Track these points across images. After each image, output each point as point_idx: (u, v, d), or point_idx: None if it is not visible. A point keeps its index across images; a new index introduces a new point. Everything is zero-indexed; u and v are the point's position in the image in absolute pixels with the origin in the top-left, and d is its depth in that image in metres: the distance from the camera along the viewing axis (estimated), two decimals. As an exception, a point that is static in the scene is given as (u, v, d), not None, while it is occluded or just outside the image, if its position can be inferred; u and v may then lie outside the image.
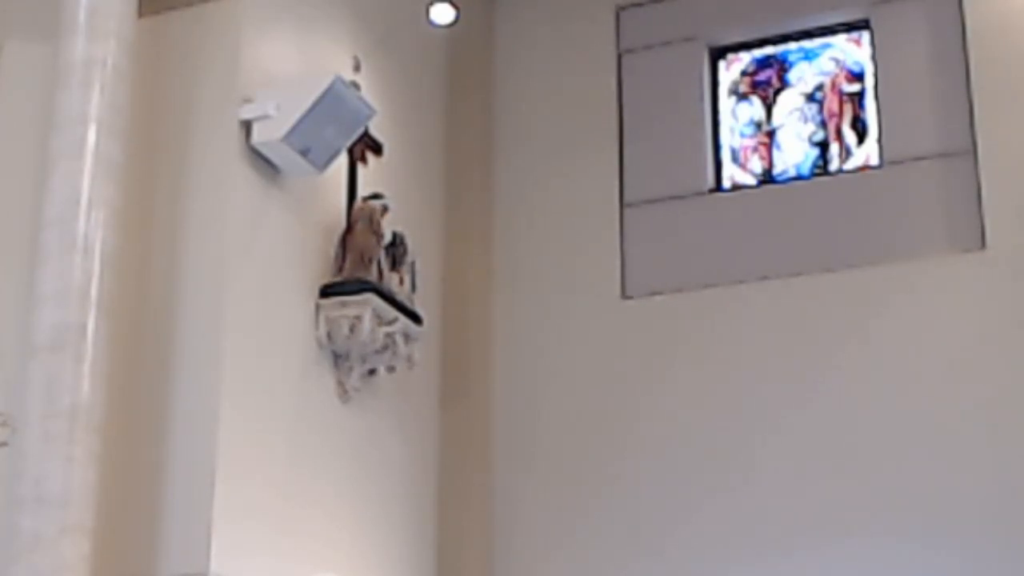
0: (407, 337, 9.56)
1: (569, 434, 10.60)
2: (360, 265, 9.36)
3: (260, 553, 8.30)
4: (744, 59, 11.37)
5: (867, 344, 10.07)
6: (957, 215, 10.18)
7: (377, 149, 10.02)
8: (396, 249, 9.69)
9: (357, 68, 9.95)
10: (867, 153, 10.76)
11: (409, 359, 9.65)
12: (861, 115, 10.89)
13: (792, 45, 11.26)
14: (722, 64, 11.38)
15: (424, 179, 10.83)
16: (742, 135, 11.21)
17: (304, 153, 8.80)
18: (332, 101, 8.77)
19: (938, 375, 9.84)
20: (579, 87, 11.40)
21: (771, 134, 11.14)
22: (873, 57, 10.87)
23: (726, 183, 11.08)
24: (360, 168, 9.84)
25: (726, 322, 10.47)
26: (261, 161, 8.82)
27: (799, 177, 10.94)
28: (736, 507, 9.99)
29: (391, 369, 9.63)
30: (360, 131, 9.32)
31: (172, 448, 8.18)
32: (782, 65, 11.27)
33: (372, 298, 9.27)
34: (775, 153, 11.09)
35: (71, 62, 8.07)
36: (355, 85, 9.48)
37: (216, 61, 8.83)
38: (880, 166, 10.60)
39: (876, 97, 10.75)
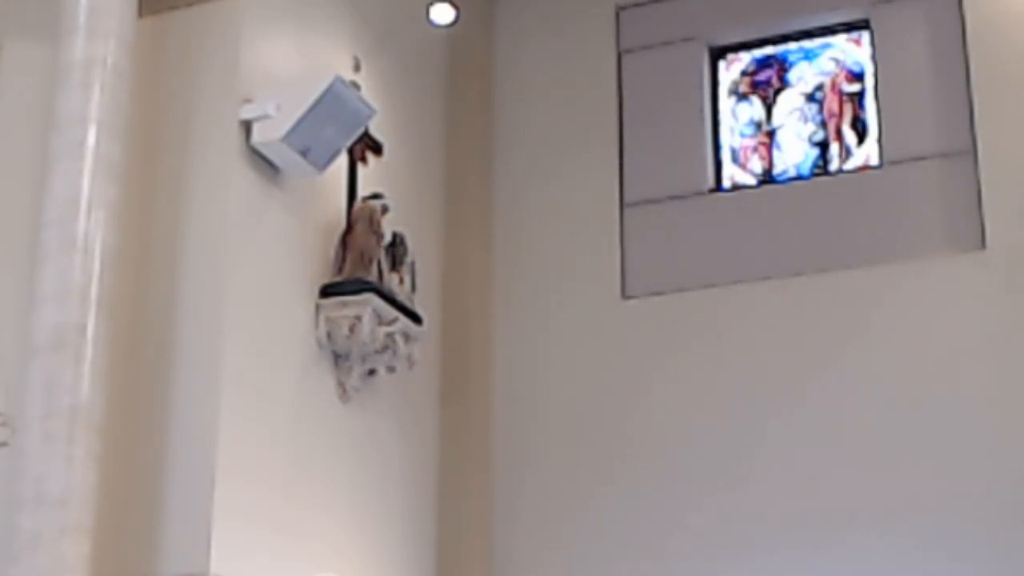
0: (407, 337, 9.56)
1: (569, 434, 10.60)
2: (360, 265, 9.36)
3: (260, 553, 8.30)
4: (744, 59, 11.37)
5: (867, 344, 10.07)
6: (957, 215, 10.18)
7: (377, 149, 10.02)
8: (396, 249, 9.69)
9: (357, 68, 9.95)
10: (867, 153, 10.76)
11: (409, 359, 9.65)
12: (861, 115, 10.89)
13: (792, 45, 11.27)
14: (722, 64, 11.38)
15: (424, 179, 10.83)
16: (742, 135, 11.21)
17: (304, 153, 8.80)
18: (332, 101, 8.77)
19: (937, 375, 9.84)
20: (579, 87, 11.40)
21: (771, 134, 11.14)
22: (873, 57, 10.87)
23: (726, 183, 11.08)
24: (360, 168, 9.84)
25: (726, 322, 10.47)
26: (261, 161, 8.83)
27: (799, 177, 10.94)
28: (736, 507, 9.99)
29: (391, 369, 9.63)
30: (360, 131, 9.32)
31: (172, 448, 8.18)
32: (782, 65, 11.27)
33: (372, 298, 9.27)
34: (775, 153, 11.09)
35: (71, 62, 8.07)
36: (355, 85, 9.48)
37: (216, 61, 8.84)
38: (880, 166, 10.60)
39: (876, 97, 10.75)
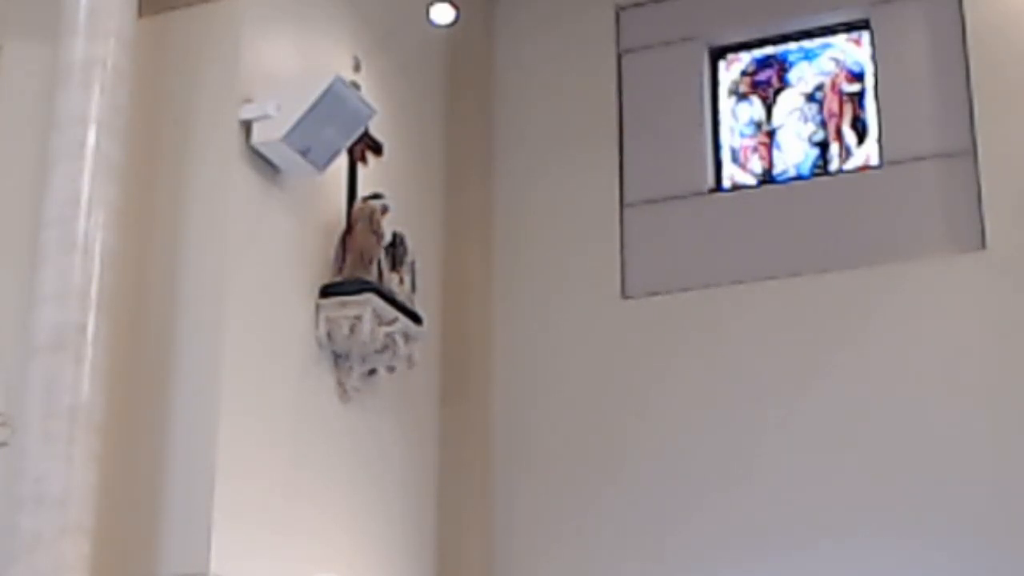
0: (407, 337, 9.56)
1: (569, 434, 10.60)
2: (360, 265, 9.36)
3: (260, 553, 8.30)
4: (744, 59, 11.37)
5: (866, 344, 10.07)
6: (957, 215, 10.18)
7: (377, 149, 10.02)
8: (396, 249, 9.69)
9: (357, 68, 9.95)
10: (867, 153, 10.76)
11: (409, 359, 9.65)
12: (861, 115, 10.89)
13: (792, 45, 11.27)
14: (722, 64, 11.38)
15: (424, 179, 10.83)
16: (742, 135, 11.21)
17: (304, 153, 8.80)
18: (332, 101, 8.77)
19: (937, 375, 9.84)
20: (579, 87, 11.40)
21: (771, 134, 11.14)
22: (873, 57, 10.87)
23: (726, 183, 11.08)
24: (360, 168, 9.84)
25: (726, 322, 10.47)
26: (261, 161, 8.83)
27: (799, 177, 10.94)
28: (735, 507, 9.99)
29: (391, 369, 9.63)
30: (360, 131, 9.32)
31: (172, 448, 8.18)
32: (782, 65, 11.27)
33: (372, 298, 9.27)
34: (775, 153, 11.09)
35: (71, 62, 8.07)
36: (355, 85, 9.48)
37: (216, 61, 8.83)
38: (880, 166, 10.60)
39: (876, 97, 10.75)
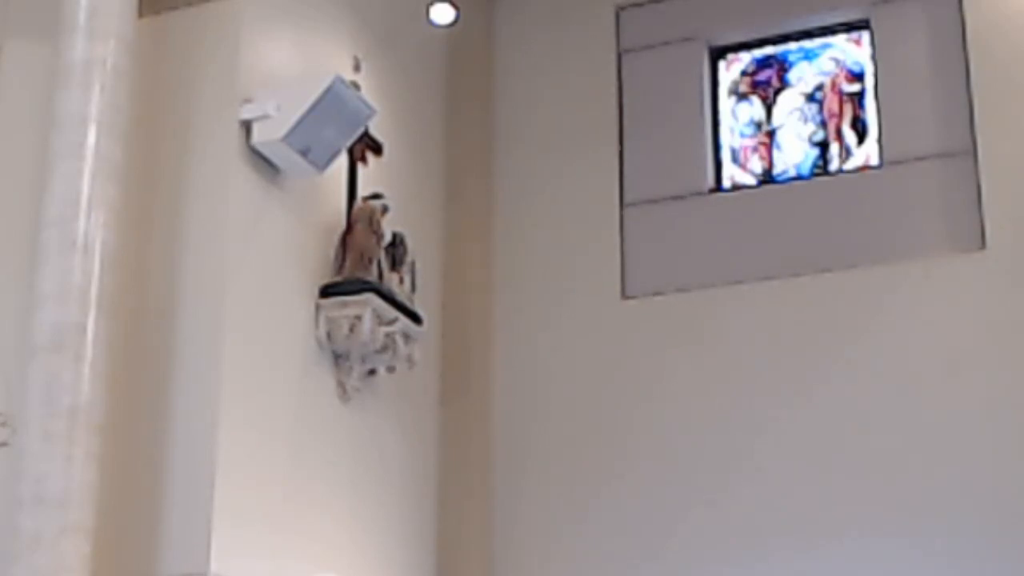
0: (407, 337, 9.56)
1: (569, 434, 10.60)
2: (360, 265, 9.36)
3: (260, 553, 8.30)
4: (744, 59, 11.37)
5: (867, 344, 10.07)
6: (957, 215, 10.18)
7: (377, 149, 10.02)
8: (396, 249, 9.70)
9: (357, 68, 9.95)
10: (867, 153, 10.76)
11: (409, 359, 9.65)
12: (861, 115, 10.89)
13: (792, 45, 11.27)
14: (722, 64, 11.38)
15: (424, 179, 10.84)
16: (742, 135, 11.21)
17: (304, 153, 8.80)
18: (332, 101, 8.77)
19: (938, 375, 9.84)
20: (579, 87, 11.40)
21: (771, 134, 11.15)
22: (873, 57, 10.87)
23: (726, 183, 11.08)
24: (360, 168, 9.84)
25: (726, 322, 10.47)
26: (261, 161, 8.83)
27: (799, 177, 10.94)
28: (736, 507, 9.99)
29: (391, 369, 9.63)
30: (360, 131, 9.32)
31: (172, 448, 8.18)
32: (782, 65, 11.28)
33: (372, 298, 9.27)
34: (775, 153, 11.09)
35: (71, 62, 8.07)
36: (355, 85, 9.48)
37: (216, 61, 8.83)
38: (880, 166, 10.60)
39: (876, 97, 10.75)
